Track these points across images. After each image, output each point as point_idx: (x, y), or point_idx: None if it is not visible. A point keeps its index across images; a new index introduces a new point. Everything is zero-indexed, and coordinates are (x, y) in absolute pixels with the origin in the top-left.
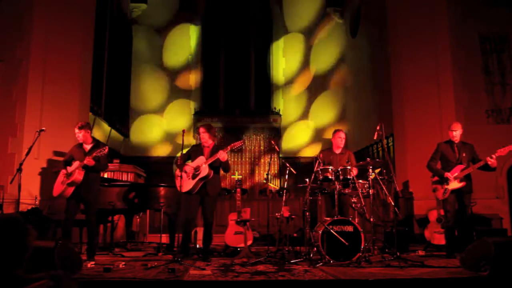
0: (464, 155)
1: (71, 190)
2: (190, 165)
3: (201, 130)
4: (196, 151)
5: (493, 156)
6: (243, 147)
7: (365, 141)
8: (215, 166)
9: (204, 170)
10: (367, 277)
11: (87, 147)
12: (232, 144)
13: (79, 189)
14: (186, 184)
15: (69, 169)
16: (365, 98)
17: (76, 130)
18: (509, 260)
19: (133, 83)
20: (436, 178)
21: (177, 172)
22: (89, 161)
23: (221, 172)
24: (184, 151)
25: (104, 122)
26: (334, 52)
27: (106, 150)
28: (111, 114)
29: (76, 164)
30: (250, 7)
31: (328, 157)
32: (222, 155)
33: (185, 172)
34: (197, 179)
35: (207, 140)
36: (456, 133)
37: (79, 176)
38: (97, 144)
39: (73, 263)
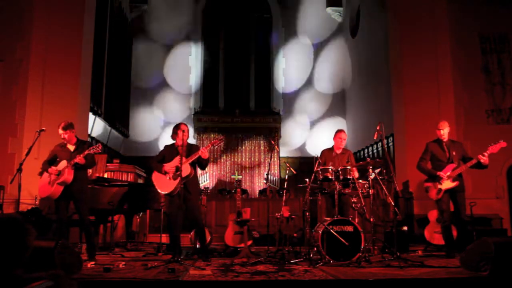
0: (454, 153)
1: (60, 190)
2: (169, 166)
3: (185, 128)
4: (170, 151)
5: (485, 154)
6: (223, 143)
7: (365, 141)
8: (194, 164)
9: (186, 170)
10: (367, 277)
11: (71, 147)
12: (213, 142)
13: (68, 189)
14: (167, 185)
15: (55, 168)
16: (365, 98)
17: (61, 131)
18: (509, 260)
19: (133, 83)
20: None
21: (154, 174)
22: (80, 159)
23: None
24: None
25: (104, 122)
26: (334, 52)
27: (100, 147)
28: (111, 114)
29: (63, 163)
30: (250, 7)
31: (329, 157)
32: (205, 153)
33: (165, 173)
34: (179, 179)
35: (185, 139)
36: (444, 132)
37: (69, 175)
38: (81, 142)
39: (73, 263)
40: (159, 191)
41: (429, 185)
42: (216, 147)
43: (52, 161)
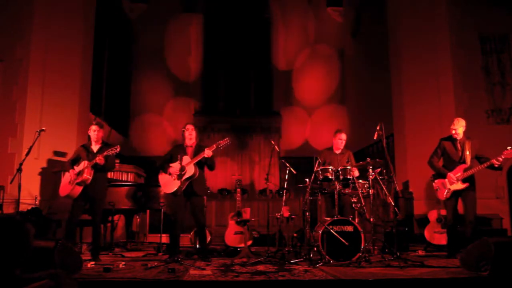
0: (467, 153)
1: (79, 190)
2: (174, 166)
3: (191, 127)
4: (178, 151)
5: (499, 158)
6: (229, 144)
7: (365, 141)
8: (200, 165)
9: (190, 170)
10: (367, 277)
11: (95, 147)
12: (218, 142)
13: (87, 189)
14: (171, 185)
15: (77, 168)
16: (365, 98)
17: (96, 128)
18: (509, 260)
19: (133, 83)
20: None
21: (161, 174)
22: (100, 159)
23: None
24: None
25: (104, 122)
26: (334, 52)
27: (118, 149)
28: (111, 114)
29: (84, 163)
30: (251, 7)
31: (328, 157)
32: (208, 152)
33: (170, 174)
34: (183, 179)
35: (193, 138)
36: (458, 131)
37: (88, 175)
38: (106, 144)
39: (73, 263)
40: (164, 190)
41: (438, 185)
42: (221, 147)
43: (75, 160)
